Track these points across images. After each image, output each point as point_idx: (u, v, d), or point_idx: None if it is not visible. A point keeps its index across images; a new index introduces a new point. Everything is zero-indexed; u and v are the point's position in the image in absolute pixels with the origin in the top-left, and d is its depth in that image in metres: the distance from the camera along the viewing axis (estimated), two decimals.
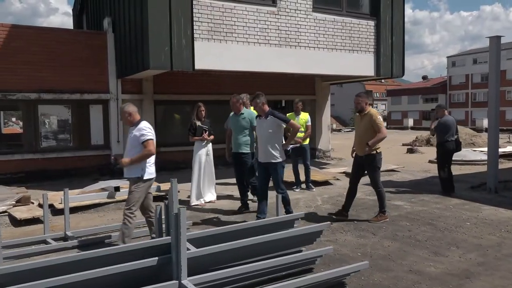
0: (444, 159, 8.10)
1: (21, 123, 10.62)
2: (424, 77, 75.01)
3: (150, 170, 4.81)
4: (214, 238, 4.01)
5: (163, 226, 4.37)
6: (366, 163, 6.08)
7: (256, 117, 6.11)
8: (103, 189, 7.28)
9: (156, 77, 10.85)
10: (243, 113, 6.77)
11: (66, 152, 10.29)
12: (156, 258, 3.47)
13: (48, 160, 10.01)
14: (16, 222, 6.18)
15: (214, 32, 8.91)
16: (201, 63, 8.73)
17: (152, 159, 4.83)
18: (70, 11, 18.56)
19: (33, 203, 7.05)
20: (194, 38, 8.61)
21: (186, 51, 8.52)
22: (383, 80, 54.19)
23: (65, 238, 5.31)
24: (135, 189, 4.76)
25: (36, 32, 10.06)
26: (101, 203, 7.00)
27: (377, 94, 78.99)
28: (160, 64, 8.45)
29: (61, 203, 6.40)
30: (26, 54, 9.61)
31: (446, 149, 8.01)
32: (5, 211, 6.47)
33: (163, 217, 4.36)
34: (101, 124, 10.73)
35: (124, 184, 7.55)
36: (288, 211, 5.84)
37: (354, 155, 6.30)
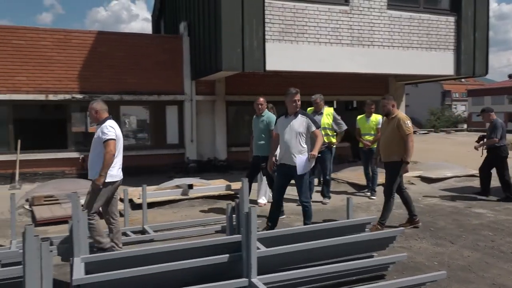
0: (497, 164, 7.65)
1: None
2: (511, 76, 69.32)
3: (111, 172, 4.46)
4: (283, 238, 4.03)
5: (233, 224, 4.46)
6: (389, 168, 5.68)
7: (280, 115, 5.53)
8: (178, 186, 7.64)
9: (228, 78, 11.11)
10: (263, 115, 6.54)
11: (144, 150, 10.89)
12: (227, 255, 3.55)
13: (128, 157, 10.48)
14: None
15: (285, 33, 8.94)
16: (272, 64, 8.80)
17: (115, 161, 4.50)
18: (150, 17, 19.64)
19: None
20: (266, 40, 8.70)
21: (257, 52, 8.64)
22: (463, 80, 50.91)
23: (142, 232, 5.60)
24: (91, 192, 4.48)
25: (119, 38, 10.76)
26: (176, 199, 7.30)
27: (457, 94, 74.39)
28: (232, 66, 8.65)
29: (139, 198, 6.81)
30: (110, 58, 10.32)
31: (502, 155, 7.59)
32: None
33: (233, 215, 4.45)
34: (176, 124, 11.22)
35: (197, 182, 7.86)
36: (306, 225, 5.30)
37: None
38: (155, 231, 5.55)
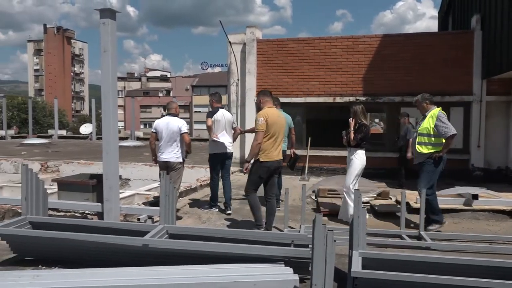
0: None
1: (382, 123, 11.63)
2: None
3: None
4: None
5: None
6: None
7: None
8: (459, 195, 7.06)
9: None
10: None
11: None
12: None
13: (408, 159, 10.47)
14: (375, 213, 6.84)
15: None
16: None
17: None
18: (436, 14, 18.80)
19: (391, 198, 7.60)
20: None
21: None
22: None
23: (418, 237, 5.43)
24: None
25: (405, 39, 10.73)
26: (457, 209, 6.76)
27: None
28: None
29: (416, 202, 6.64)
30: (394, 60, 10.45)
31: None
32: (368, 202, 7.28)
33: None
34: (461, 128, 10.33)
35: (483, 192, 7.06)
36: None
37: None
38: (432, 239, 5.29)
